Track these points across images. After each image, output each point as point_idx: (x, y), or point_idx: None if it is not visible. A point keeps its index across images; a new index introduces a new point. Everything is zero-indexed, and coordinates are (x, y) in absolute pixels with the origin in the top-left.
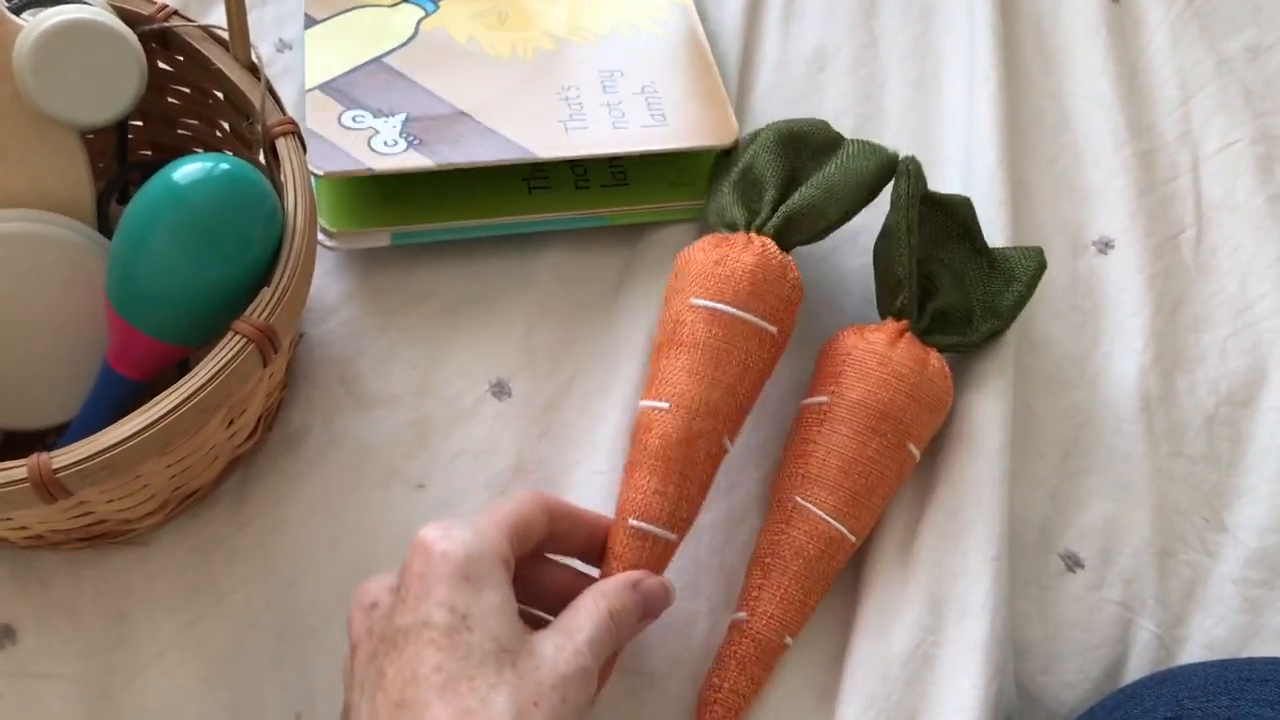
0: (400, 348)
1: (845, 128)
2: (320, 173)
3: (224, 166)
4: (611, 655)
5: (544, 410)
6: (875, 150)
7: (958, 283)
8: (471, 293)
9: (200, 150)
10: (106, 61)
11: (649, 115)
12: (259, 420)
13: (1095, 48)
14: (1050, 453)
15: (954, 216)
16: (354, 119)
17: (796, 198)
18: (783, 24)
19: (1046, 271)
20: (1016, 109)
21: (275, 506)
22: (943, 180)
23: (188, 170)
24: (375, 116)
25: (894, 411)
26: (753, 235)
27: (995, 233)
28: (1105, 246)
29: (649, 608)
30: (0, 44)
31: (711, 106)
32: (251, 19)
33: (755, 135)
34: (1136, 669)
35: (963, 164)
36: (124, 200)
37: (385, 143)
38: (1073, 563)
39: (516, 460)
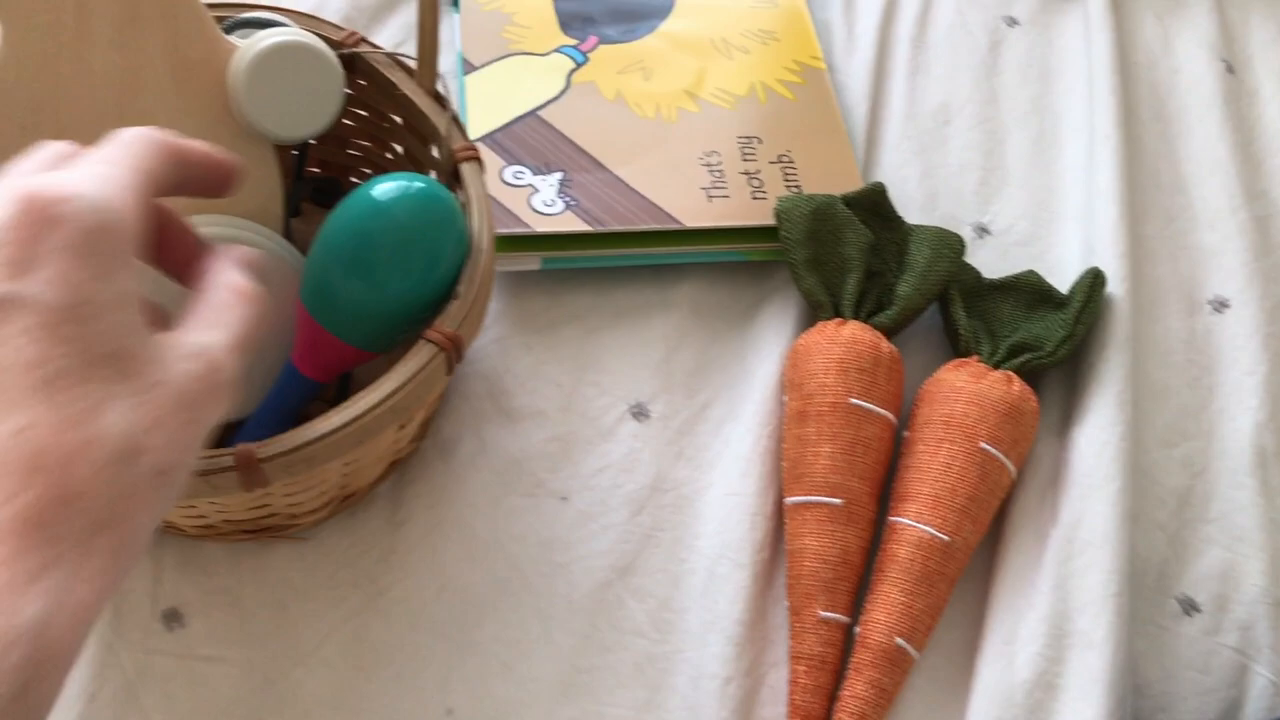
0: (546, 366)
1: (969, 181)
2: None
3: (420, 185)
4: None
5: (679, 433)
6: (954, 247)
7: (1023, 325)
8: (613, 318)
9: (369, 171)
10: (312, 82)
11: (784, 186)
12: (419, 427)
13: (1211, 115)
14: (1169, 500)
15: (1020, 290)
16: (515, 175)
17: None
18: (909, 79)
19: (1163, 325)
20: (1135, 170)
21: (428, 511)
22: (1063, 234)
23: (387, 187)
24: (534, 174)
25: (956, 418)
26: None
27: (1116, 284)
28: (1221, 306)
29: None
30: (216, 61)
31: (842, 174)
32: (406, 50)
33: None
34: (1253, 714)
35: (1083, 219)
36: (296, 213)
37: (544, 202)
38: (1189, 606)
39: (654, 479)
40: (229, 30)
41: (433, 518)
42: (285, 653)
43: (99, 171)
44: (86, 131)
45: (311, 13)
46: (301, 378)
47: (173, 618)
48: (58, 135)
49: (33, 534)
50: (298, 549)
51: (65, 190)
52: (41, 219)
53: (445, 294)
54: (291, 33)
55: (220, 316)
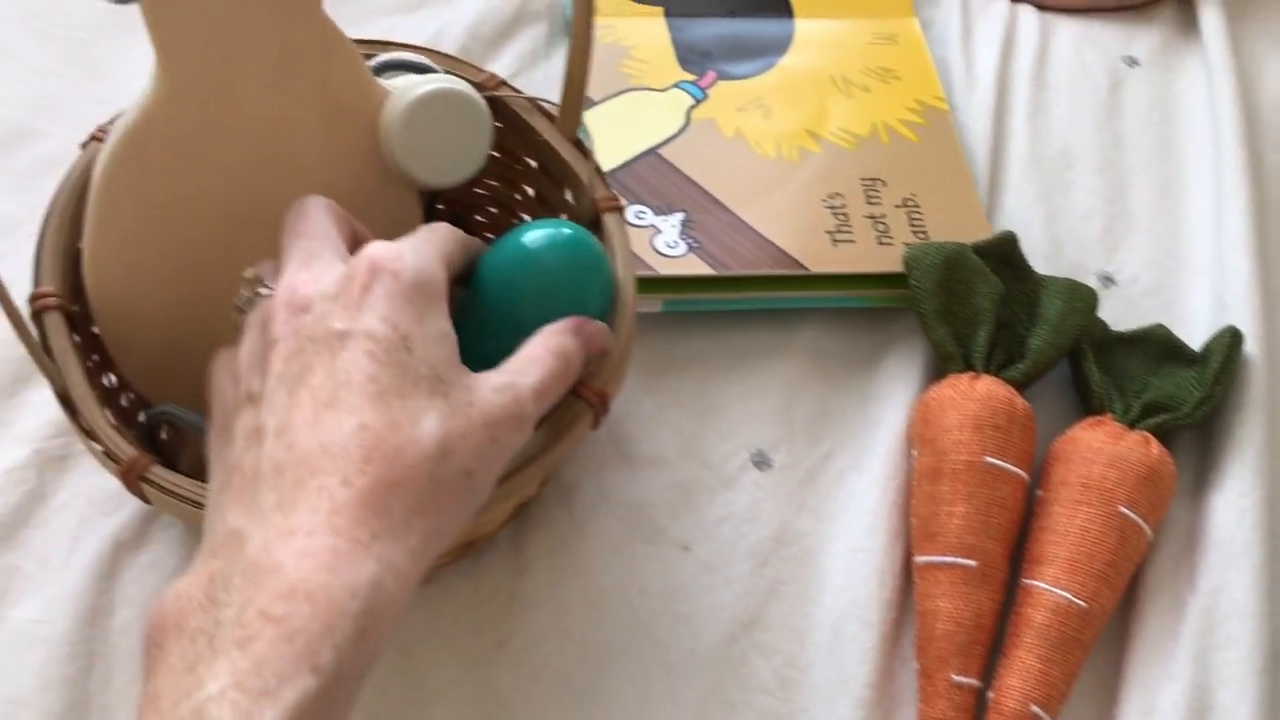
0: (666, 410)
1: (1093, 228)
2: None
3: (568, 231)
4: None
5: (802, 483)
6: (1086, 300)
7: (1152, 381)
8: (732, 361)
9: (495, 210)
10: (463, 130)
11: (911, 232)
12: None
13: None
14: None
15: (1150, 344)
16: (637, 215)
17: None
18: (1029, 122)
19: None
20: (1265, 221)
21: (551, 557)
22: (1191, 285)
23: (537, 235)
24: (656, 214)
25: (1094, 480)
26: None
27: (1250, 342)
28: None
29: (592, 348)
30: (367, 106)
31: (969, 220)
32: (520, 82)
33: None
34: None
35: (1213, 271)
36: None
37: (667, 244)
38: None
39: (777, 531)
40: (376, 73)
41: (555, 564)
42: (410, 701)
43: (415, 244)
44: (237, 172)
45: (429, 44)
46: None
47: None
48: (209, 176)
49: (368, 509)
50: (422, 594)
51: (392, 252)
52: (374, 272)
53: None
54: (444, 80)
55: (530, 366)
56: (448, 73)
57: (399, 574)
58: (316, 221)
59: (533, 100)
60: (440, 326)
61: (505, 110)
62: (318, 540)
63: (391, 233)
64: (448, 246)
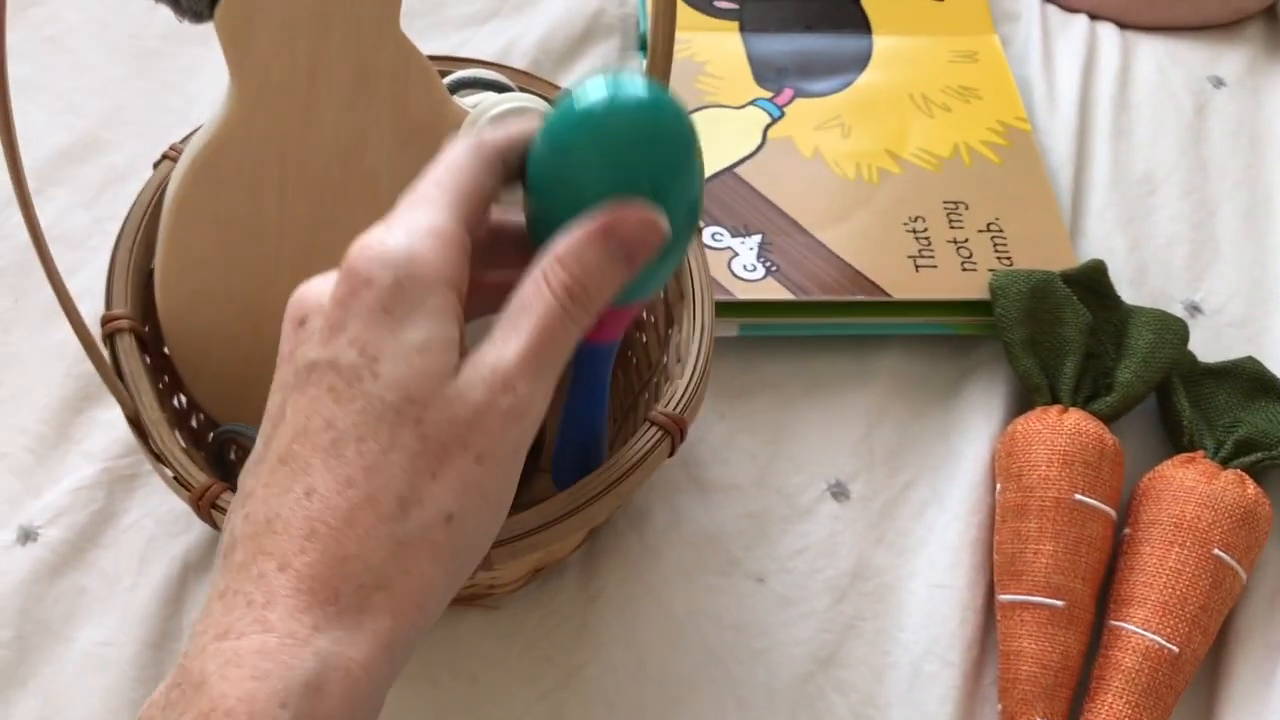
0: (740, 435)
1: (1179, 255)
2: None
3: (638, 92)
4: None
5: (880, 515)
6: (1178, 333)
7: (1242, 416)
8: (809, 388)
9: None
10: None
11: (995, 258)
12: None
13: None
14: None
15: (1239, 377)
16: (714, 237)
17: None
18: (1112, 143)
19: None
20: None
21: (623, 584)
22: (1277, 316)
23: (594, 96)
24: (733, 235)
25: (1187, 520)
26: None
27: None
28: None
29: (631, 251)
30: (442, 124)
31: (1055, 245)
32: None
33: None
34: None
35: None
36: None
37: (745, 266)
38: None
39: (855, 565)
40: (451, 91)
41: (626, 592)
42: None
43: (410, 218)
44: (310, 192)
45: (498, 58)
46: (589, 346)
47: None
48: (282, 196)
49: (306, 596)
50: (490, 618)
51: (373, 250)
52: (356, 282)
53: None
54: (519, 99)
55: (516, 321)
56: (522, 90)
57: (352, 667)
58: (432, 179)
59: None
60: (423, 333)
61: None
62: (246, 641)
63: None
64: (466, 184)
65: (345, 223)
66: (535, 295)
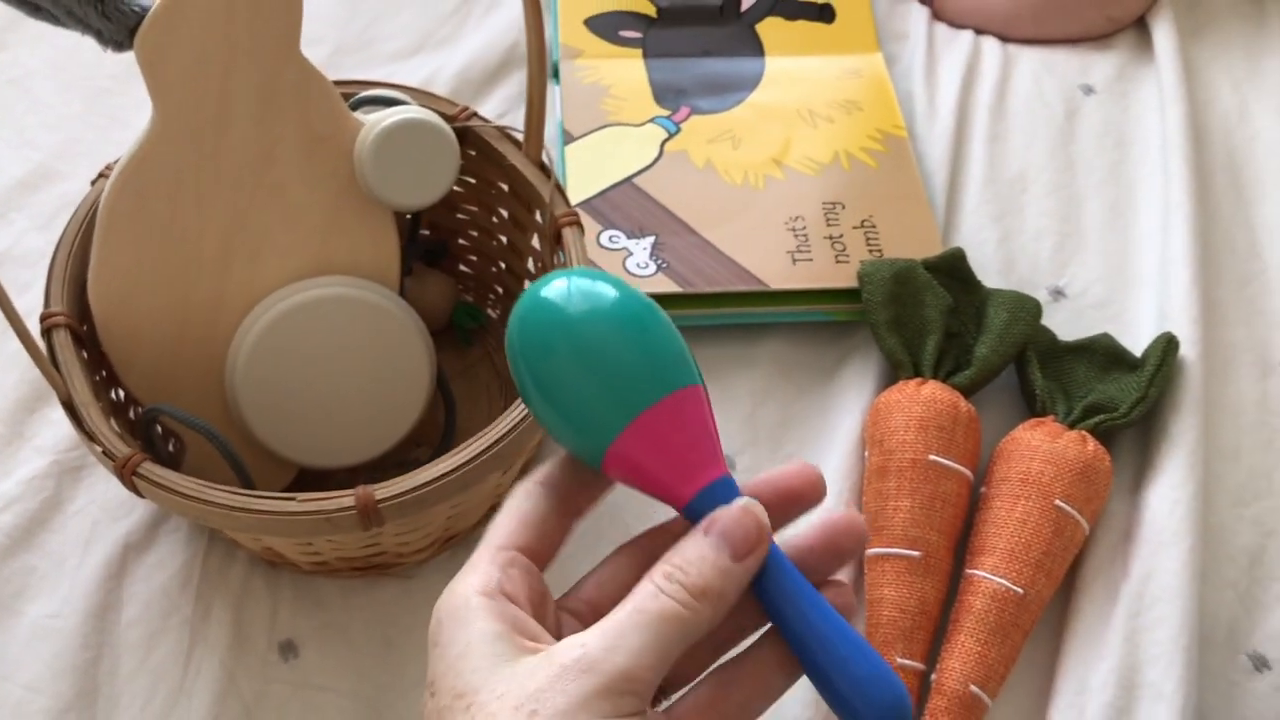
0: None
1: (1045, 246)
2: None
3: (607, 291)
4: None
5: None
6: (1030, 310)
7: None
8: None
9: (476, 233)
10: (430, 156)
11: (867, 250)
12: (520, 471)
13: None
14: (1240, 558)
15: (1095, 352)
16: (610, 239)
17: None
18: (987, 147)
19: (1236, 387)
20: (1209, 236)
21: None
22: (1137, 298)
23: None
24: (629, 237)
25: (1032, 476)
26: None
27: (1188, 347)
28: None
29: (737, 543)
30: (343, 136)
31: (924, 238)
32: (508, 119)
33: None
34: None
35: (1156, 284)
36: (408, 272)
37: (638, 264)
38: (1260, 663)
39: None
40: (354, 107)
41: None
42: (391, 685)
43: (472, 562)
44: (225, 201)
45: (423, 87)
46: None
47: (288, 649)
48: (199, 204)
49: None
50: (404, 586)
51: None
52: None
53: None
54: (412, 110)
55: (625, 633)
56: (420, 106)
57: None
58: (487, 540)
59: (500, 128)
60: (457, 646)
61: (477, 139)
62: None
63: (368, 251)
64: (508, 536)
65: (258, 228)
66: (640, 610)
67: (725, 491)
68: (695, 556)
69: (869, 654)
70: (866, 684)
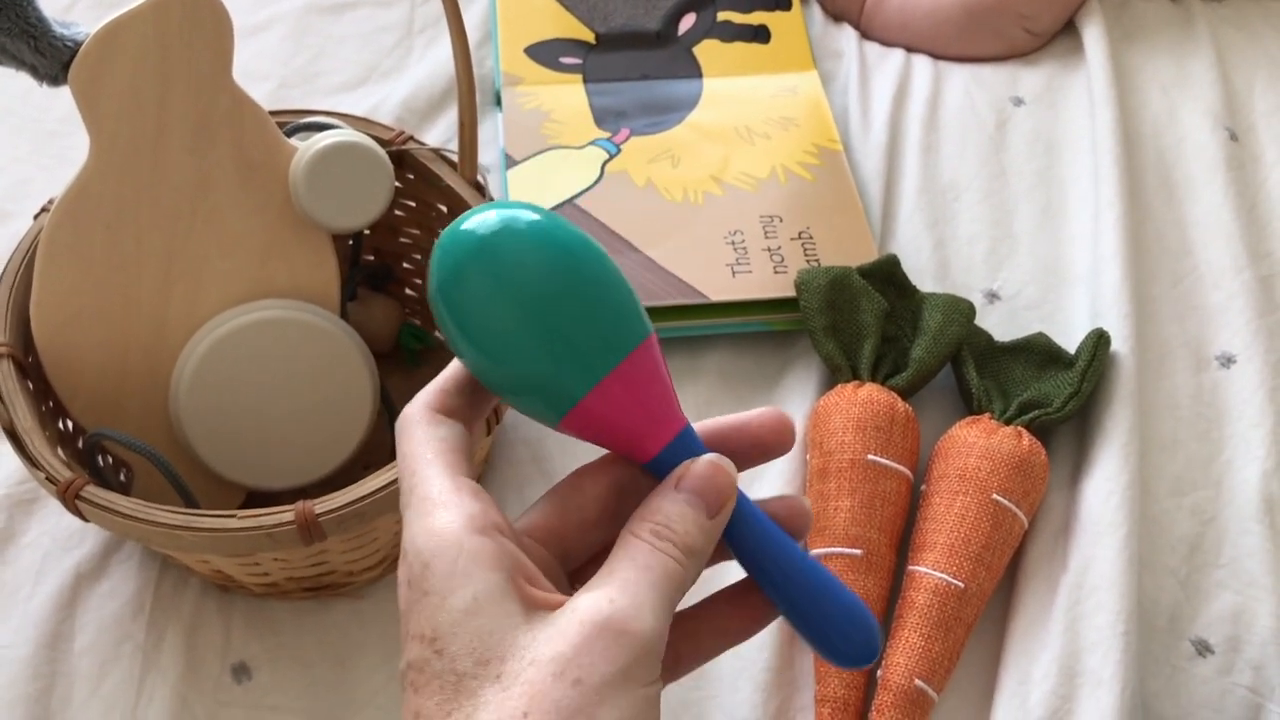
0: None
1: (979, 250)
2: None
3: (528, 217)
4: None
5: None
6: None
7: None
8: None
9: (420, 257)
10: (364, 177)
11: (804, 260)
12: None
13: (1215, 181)
14: (1180, 546)
15: (1031, 352)
16: None
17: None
18: (920, 158)
19: (1171, 381)
20: (1141, 234)
21: None
22: (1070, 297)
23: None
24: None
25: (969, 471)
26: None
27: (1121, 343)
28: (1227, 361)
29: (710, 500)
30: (278, 161)
31: (859, 247)
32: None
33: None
34: None
35: (1088, 282)
36: (353, 297)
37: None
38: (1203, 648)
39: None
40: (290, 134)
41: None
42: (344, 704)
43: (413, 509)
44: (163, 228)
45: (366, 116)
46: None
47: (241, 671)
48: (137, 233)
49: None
50: (355, 606)
51: (407, 539)
52: (400, 585)
53: None
54: (345, 134)
55: (611, 569)
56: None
57: None
58: (410, 465)
59: (436, 150)
60: (465, 597)
61: (414, 163)
62: None
63: (307, 274)
64: (438, 448)
65: (197, 254)
66: (629, 548)
67: (689, 443)
68: (676, 514)
69: (841, 591)
70: (842, 620)
